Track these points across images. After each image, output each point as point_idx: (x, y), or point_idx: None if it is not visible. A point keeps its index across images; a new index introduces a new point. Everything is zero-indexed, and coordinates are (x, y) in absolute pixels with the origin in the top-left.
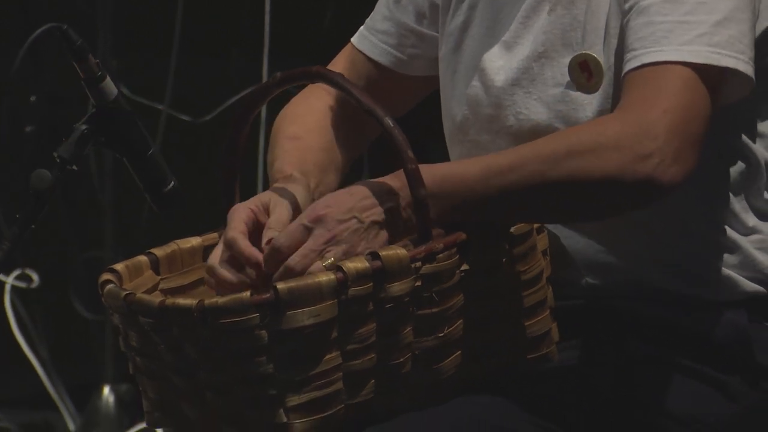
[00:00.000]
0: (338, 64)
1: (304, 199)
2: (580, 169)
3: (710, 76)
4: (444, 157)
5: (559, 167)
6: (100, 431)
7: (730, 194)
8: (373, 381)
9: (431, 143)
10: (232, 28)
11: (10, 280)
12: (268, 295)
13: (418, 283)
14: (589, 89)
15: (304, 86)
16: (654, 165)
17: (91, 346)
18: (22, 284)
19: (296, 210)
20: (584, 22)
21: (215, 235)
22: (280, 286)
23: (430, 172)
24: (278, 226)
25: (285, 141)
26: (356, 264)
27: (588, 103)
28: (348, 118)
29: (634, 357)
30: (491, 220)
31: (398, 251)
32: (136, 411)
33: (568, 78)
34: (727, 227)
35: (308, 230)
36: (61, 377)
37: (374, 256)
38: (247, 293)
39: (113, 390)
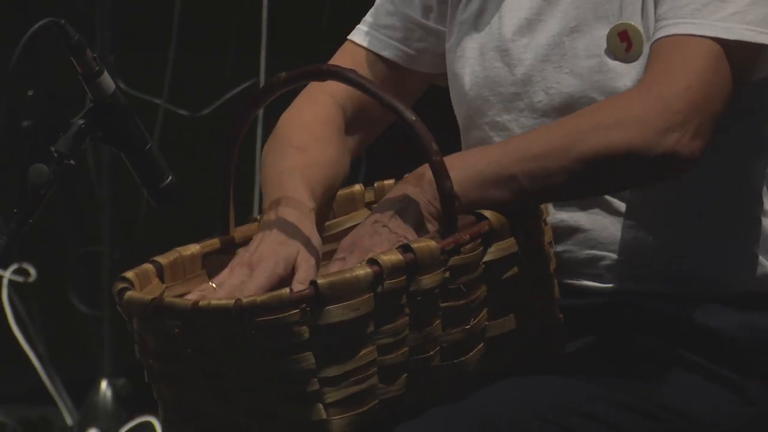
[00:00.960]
0: (337, 62)
1: (312, 225)
2: (605, 143)
3: (742, 53)
4: (446, 150)
5: (584, 141)
6: (98, 426)
7: (757, 177)
8: (405, 375)
9: (435, 137)
10: (230, 22)
11: (7, 275)
12: (308, 290)
13: (447, 275)
14: (627, 59)
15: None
16: (676, 139)
17: (89, 340)
18: (19, 278)
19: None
20: None
21: (214, 241)
22: (320, 281)
23: (450, 156)
24: (306, 283)
25: (293, 152)
26: (390, 257)
27: (626, 72)
28: (351, 123)
29: (650, 357)
30: (511, 200)
31: (429, 243)
32: (133, 405)
33: (603, 48)
34: (753, 209)
35: (342, 260)
36: (59, 372)
37: (406, 248)
38: (286, 290)
39: (111, 384)
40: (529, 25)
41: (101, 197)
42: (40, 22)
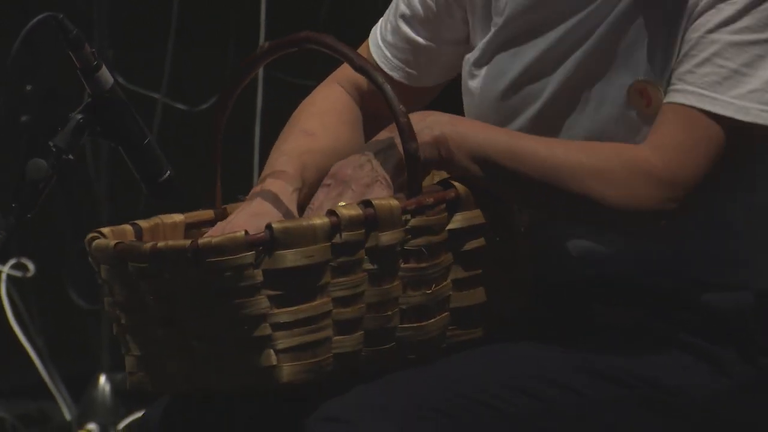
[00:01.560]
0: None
1: (292, 202)
2: (600, 194)
3: (756, 131)
4: None
5: (582, 181)
6: (96, 421)
7: (758, 189)
8: (361, 332)
9: None
10: (228, 16)
11: (6, 270)
12: (262, 233)
13: (408, 236)
14: (647, 113)
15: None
16: (668, 213)
17: (87, 335)
18: (17, 273)
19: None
20: (646, 44)
21: (199, 212)
22: (275, 225)
23: (458, 117)
24: None
25: (299, 134)
26: (350, 210)
27: (643, 127)
28: (365, 117)
29: (624, 326)
30: (492, 186)
31: (391, 201)
32: (132, 400)
33: (624, 99)
34: (746, 218)
35: (327, 186)
36: (57, 367)
37: (367, 204)
38: (241, 232)
39: (109, 379)
40: (552, 63)
41: (99, 192)
42: (39, 17)
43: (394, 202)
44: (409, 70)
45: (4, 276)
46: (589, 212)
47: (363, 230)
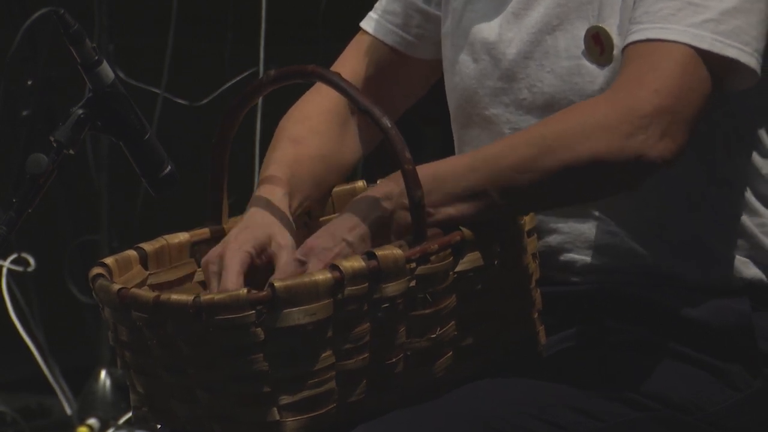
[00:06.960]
0: (349, 50)
1: (287, 213)
2: (570, 152)
3: (712, 63)
4: (438, 141)
5: (550, 151)
6: (97, 415)
7: (743, 179)
8: (365, 381)
9: (428, 127)
10: (229, 11)
11: (6, 264)
12: (265, 292)
13: (413, 284)
14: (601, 62)
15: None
16: (640, 142)
17: (88, 329)
18: (18, 268)
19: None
20: None
21: (204, 230)
22: (278, 283)
23: (420, 170)
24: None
25: (286, 143)
26: (353, 263)
27: (600, 76)
28: (357, 117)
29: (631, 346)
30: (483, 213)
31: (394, 251)
32: None
33: (582, 50)
34: (739, 212)
35: (302, 263)
36: (58, 361)
37: (370, 255)
38: (244, 290)
39: (110, 374)
40: (514, 19)
41: (99, 186)
42: (40, 12)
43: (398, 252)
44: (404, 35)
45: (4, 270)
46: (575, 180)
47: (367, 284)
